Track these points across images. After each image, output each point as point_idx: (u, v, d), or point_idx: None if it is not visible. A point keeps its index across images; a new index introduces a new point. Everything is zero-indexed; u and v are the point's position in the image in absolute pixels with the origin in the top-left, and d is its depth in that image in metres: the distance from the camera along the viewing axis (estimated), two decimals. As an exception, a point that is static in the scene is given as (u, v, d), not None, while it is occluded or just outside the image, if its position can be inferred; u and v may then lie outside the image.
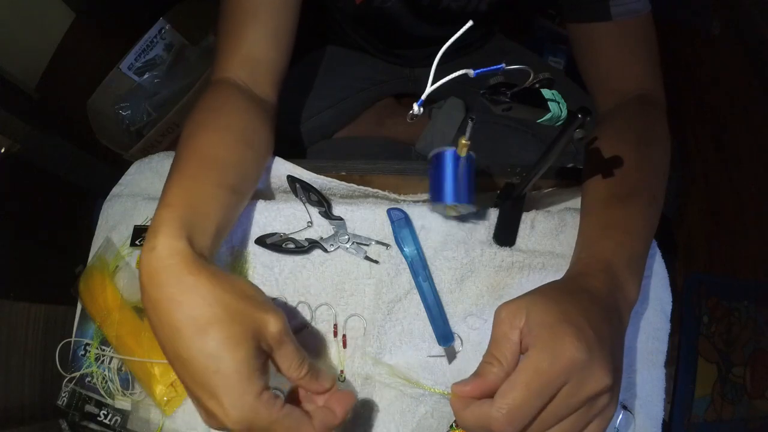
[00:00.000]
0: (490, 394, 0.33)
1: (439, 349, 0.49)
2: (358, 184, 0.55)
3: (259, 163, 0.51)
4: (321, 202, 0.52)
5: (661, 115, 0.52)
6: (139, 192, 0.59)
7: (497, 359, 0.34)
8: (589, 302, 0.36)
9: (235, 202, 0.45)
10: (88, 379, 0.52)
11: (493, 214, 0.52)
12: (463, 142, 0.40)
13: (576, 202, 0.55)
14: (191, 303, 0.33)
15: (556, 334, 0.32)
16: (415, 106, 0.28)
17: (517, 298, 0.36)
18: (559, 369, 0.31)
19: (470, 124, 0.37)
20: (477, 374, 0.34)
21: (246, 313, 0.34)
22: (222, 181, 0.43)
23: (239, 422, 0.33)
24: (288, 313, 0.51)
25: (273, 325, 0.35)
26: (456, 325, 0.49)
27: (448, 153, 0.44)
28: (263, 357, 0.35)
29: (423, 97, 0.28)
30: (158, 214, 0.38)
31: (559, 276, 0.44)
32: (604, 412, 0.34)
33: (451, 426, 0.47)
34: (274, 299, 0.51)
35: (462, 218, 0.52)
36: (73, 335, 0.55)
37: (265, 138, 0.52)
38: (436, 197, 0.46)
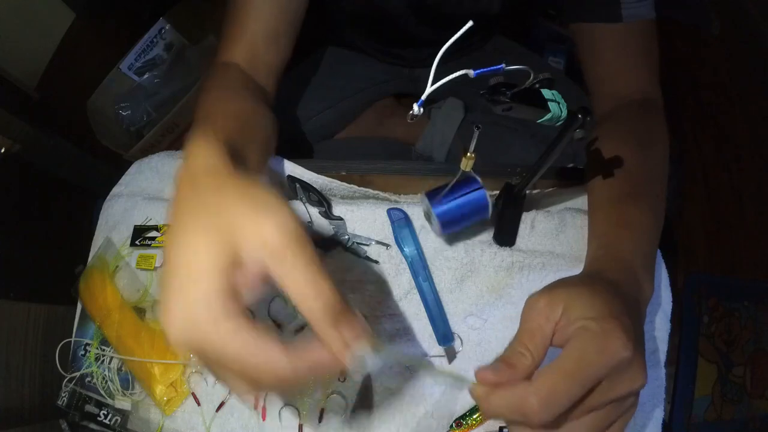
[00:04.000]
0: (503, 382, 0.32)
1: (439, 349, 0.49)
2: (359, 185, 0.55)
3: (272, 136, 0.52)
4: (321, 202, 0.52)
5: (660, 118, 0.53)
6: (139, 192, 0.59)
7: (529, 350, 0.33)
8: (622, 300, 0.35)
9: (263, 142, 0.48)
10: (88, 379, 0.52)
11: (493, 214, 0.52)
12: (468, 155, 0.38)
13: (576, 202, 0.55)
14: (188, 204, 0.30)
15: (603, 328, 0.31)
16: (415, 107, 0.28)
17: (550, 289, 0.35)
18: (603, 363, 0.31)
19: (476, 133, 0.35)
20: (506, 362, 0.32)
21: (232, 218, 0.28)
22: (245, 127, 0.44)
23: (177, 329, 0.27)
24: (288, 313, 0.51)
25: (269, 230, 0.27)
26: (456, 325, 0.49)
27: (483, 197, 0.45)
28: (244, 271, 0.28)
29: (423, 97, 0.28)
30: (194, 131, 0.36)
31: (559, 276, 0.44)
32: (629, 412, 0.34)
33: (451, 426, 0.47)
34: (273, 299, 0.51)
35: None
36: (73, 335, 0.55)
37: (270, 118, 0.53)
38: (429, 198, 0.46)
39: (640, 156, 0.48)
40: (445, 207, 0.45)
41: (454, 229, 0.47)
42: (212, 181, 0.31)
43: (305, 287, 0.28)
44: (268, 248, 0.28)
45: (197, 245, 0.28)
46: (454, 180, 0.43)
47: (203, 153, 0.33)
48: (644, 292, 0.40)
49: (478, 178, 0.45)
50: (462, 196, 0.45)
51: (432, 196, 0.46)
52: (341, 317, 0.28)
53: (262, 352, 0.27)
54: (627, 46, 0.54)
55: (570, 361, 0.31)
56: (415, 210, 0.52)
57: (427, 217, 0.49)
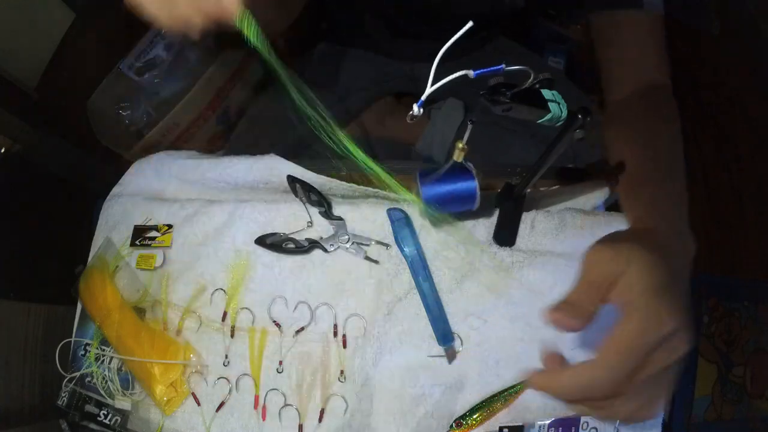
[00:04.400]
0: (575, 327, 0.33)
1: (439, 349, 0.49)
2: (358, 184, 0.55)
3: None
4: (321, 202, 0.52)
5: (675, 103, 0.55)
6: (139, 192, 0.59)
7: (591, 300, 0.34)
8: (672, 271, 0.36)
9: None
10: (88, 379, 0.52)
11: (493, 214, 0.52)
12: (460, 146, 0.40)
13: (576, 202, 0.55)
14: None
15: (661, 302, 0.33)
16: (415, 107, 0.28)
17: (614, 243, 0.36)
18: (660, 337, 0.32)
19: (469, 127, 0.37)
20: (569, 303, 0.34)
21: None
22: None
23: None
24: (288, 313, 0.51)
25: None
26: (456, 325, 0.49)
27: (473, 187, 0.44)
28: None
29: (423, 98, 0.28)
30: None
31: (559, 275, 0.44)
32: (672, 376, 0.35)
33: (451, 426, 0.47)
34: (274, 300, 0.51)
35: (462, 218, 0.52)
36: (73, 335, 0.55)
37: None
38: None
39: (668, 131, 0.50)
40: (432, 191, 0.45)
41: (438, 211, 0.47)
42: None
43: None
44: None
45: None
46: (447, 166, 0.44)
47: None
48: (690, 249, 0.41)
49: (473, 170, 0.45)
50: (452, 183, 0.44)
51: (424, 175, 0.46)
52: None
53: None
54: (646, 33, 0.57)
55: (630, 335, 0.32)
56: (415, 210, 0.52)
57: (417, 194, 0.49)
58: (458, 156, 0.40)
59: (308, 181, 0.53)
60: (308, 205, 0.53)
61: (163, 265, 0.55)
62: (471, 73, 0.29)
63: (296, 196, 0.53)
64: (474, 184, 0.44)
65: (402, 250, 0.50)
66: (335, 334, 0.50)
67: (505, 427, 0.47)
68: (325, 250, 0.51)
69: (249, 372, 0.50)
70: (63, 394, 0.53)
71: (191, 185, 0.58)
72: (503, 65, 0.30)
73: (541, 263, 0.50)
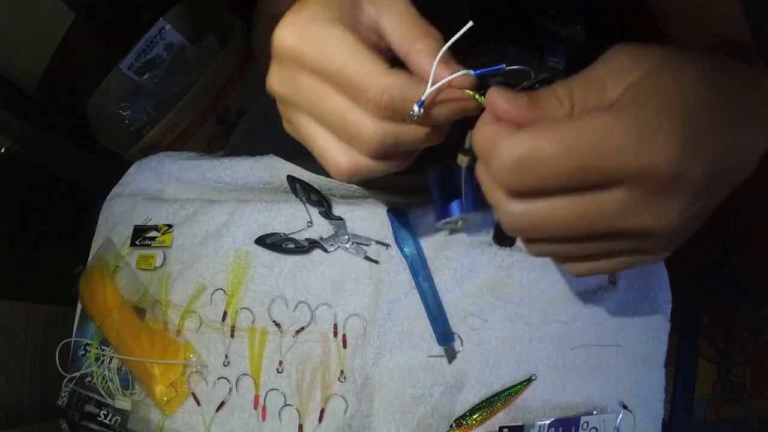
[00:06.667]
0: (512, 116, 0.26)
1: (439, 349, 0.49)
2: (358, 184, 0.55)
3: None
4: (321, 202, 0.52)
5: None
6: (139, 192, 0.59)
7: (571, 99, 0.25)
8: (729, 101, 0.25)
9: None
10: (88, 379, 0.52)
11: (493, 214, 0.52)
12: (461, 154, 0.37)
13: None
14: None
15: (661, 121, 0.22)
16: (416, 107, 0.27)
17: (647, 45, 0.24)
18: (621, 162, 0.22)
19: (469, 134, 0.36)
20: (532, 98, 0.26)
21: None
22: None
23: (287, 26, 0.28)
24: (288, 313, 0.51)
25: None
26: (456, 325, 0.49)
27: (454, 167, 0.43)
28: (359, 9, 0.29)
29: (423, 97, 0.27)
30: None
31: (559, 276, 0.43)
32: (654, 255, 0.27)
33: (451, 426, 0.47)
34: (274, 300, 0.51)
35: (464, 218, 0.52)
36: (73, 335, 0.55)
37: None
38: (446, 212, 0.44)
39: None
40: (469, 202, 0.43)
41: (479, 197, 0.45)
42: None
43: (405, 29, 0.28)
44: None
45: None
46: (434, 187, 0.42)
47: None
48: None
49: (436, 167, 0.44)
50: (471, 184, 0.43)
51: (445, 212, 0.44)
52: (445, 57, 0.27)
53: (365, 60, 0.26)
54: None
55: (578, 130, 0.22)
56: (415, 210, 0.52)
57: (460, 224, 0.47)
58: (462, 161, 0.39)
59: (308, 181, 0.53)
60: (308, 205, 0.53)
61: (163, 265, 0.55)
62: (471, 73, 0.29)
63: (296, 196, 0.53)
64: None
65: (402, 250, 0.50)
66: (335, 334, 0.50)
67: (505, 427, 0.47)
68: (325, 250, 0.51)
69: (249, 372, 0.50)
70: (63, 394, 0.53)
71: (191, 185, 0.58)
72: (503, 65, 0.30)
73: (541, 263, 0.50)
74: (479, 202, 0.44)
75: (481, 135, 0.26)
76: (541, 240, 0.28)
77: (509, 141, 0.23)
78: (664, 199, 0.23)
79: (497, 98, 0.25)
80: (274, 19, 0.37)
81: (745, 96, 0.26)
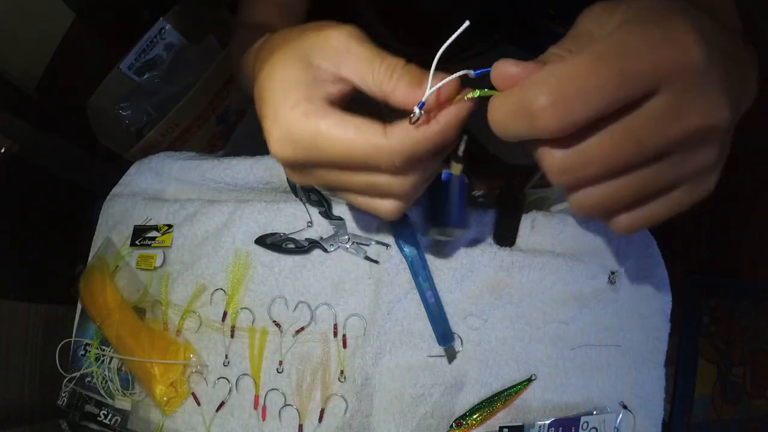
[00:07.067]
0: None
1: (439, 349, 0.49)
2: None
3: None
4: (321, 202, 0.52)
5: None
6: (139, 192, 0.59)
7: (570, 51, 0.26)
8: (721, 30, 0.25)
9: None
10: (88, 379, 0.52)
11: (493, 214, 0.52)
12: (455, 162, 0.37)
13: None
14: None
15: (671, 17, 0.22)
16: (416, 109, 0.28)
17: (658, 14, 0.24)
18: (656, 60, 0.21)
19: (464, 139, 0.33)
20: (535, 61, 0.26)
21: (303, 37, 0.31)
22: None
23: (277, 142, 0.30)
24: (288, 313, 0.51)
25: (333, 37, 0.30)
26: (456, 325, 0.49)
27: (444, 175, 0.42)
28: (317, 72, 0.30)
29: (423, 98, 0.28)
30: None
31: (558, 276, 0.43)
32: (704, 177, 0.26)
33: (451, 426, 0.47)
34: (274, 300, 0.51)
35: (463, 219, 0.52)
36: (73, 335, 0.55)
37: None
38: (433, 221, 0.44)
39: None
40: (455, 215, 0.43)
41: (465, 212, 0.45)
42: (284, 36, 0.34)
43: (364, 68, 0.30)
44: (336, 50, 0.30)
45: (283, 72, 0.30)
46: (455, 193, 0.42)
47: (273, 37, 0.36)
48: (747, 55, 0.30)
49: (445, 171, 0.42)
50: (447, 193, 0.43)
51: (433, 221, 0.44)
52: (402, 78, 0.29)
53: (360, 137, 0.28)
54: None
55: (605, 48, 0.22)
56: (415, 210, 0.52)
57: (438, 236, 0.47)
58: (455, 169, 0.37)
59: (308, 181, 0.53)
60: (308, 205, 0.53)
61: (163, 265, 0.55)
62: (471, 73, 0.29)
63: (296, 196, 0.53)
64: (447, 173, 0.42)
65: (402, 250, 0.50)
66: (335, 334, 0.50)
67: (505, 427, 0.47)
68: (325, 250, 0.51)
69: (249, 372, 0.50)
70: (63, 394, 0.53)
71: (191, 186, 0.58)
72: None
73: (541, 263, 0.50)
74: (466, 218, 0.44)
75: (509, 92, 0.25)
76: (589, 182, 0.25)
77: (541, 77, 0.23)
78: (702, 91, 0.22)
79: (506, 65, 0.26)
80: (248, 31, 0.39)
81: (726, 35, 0.26)
